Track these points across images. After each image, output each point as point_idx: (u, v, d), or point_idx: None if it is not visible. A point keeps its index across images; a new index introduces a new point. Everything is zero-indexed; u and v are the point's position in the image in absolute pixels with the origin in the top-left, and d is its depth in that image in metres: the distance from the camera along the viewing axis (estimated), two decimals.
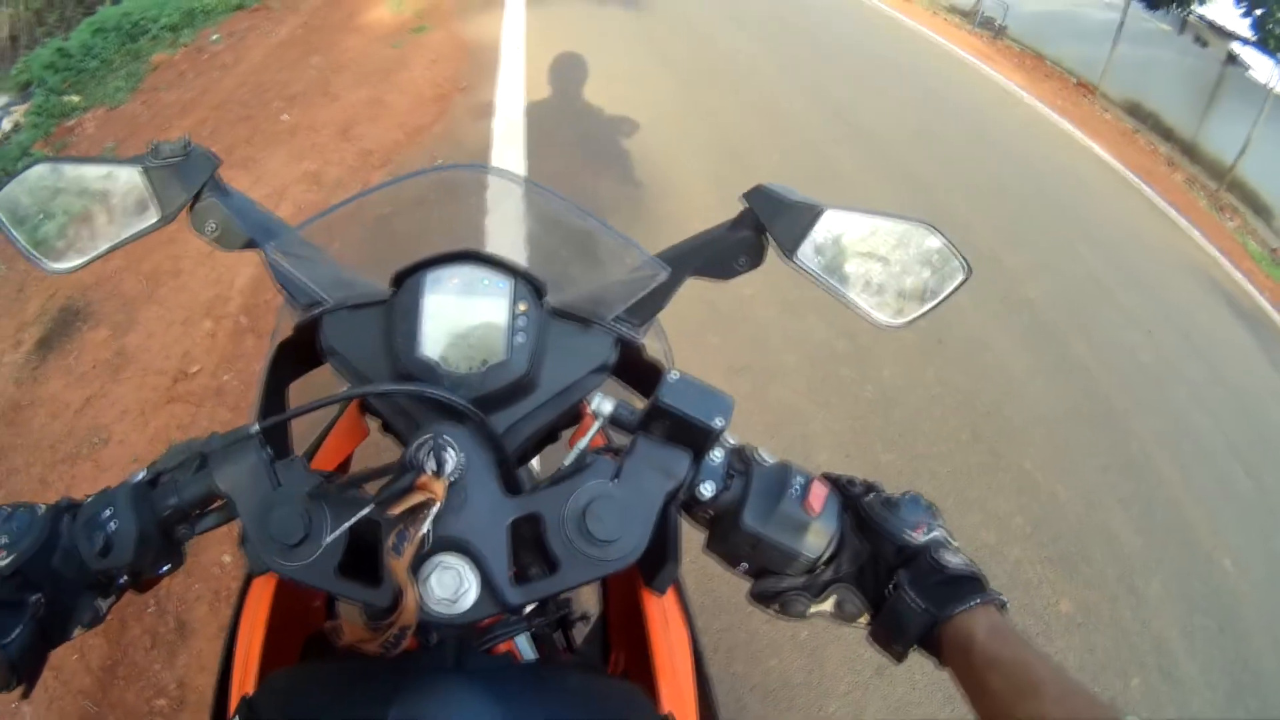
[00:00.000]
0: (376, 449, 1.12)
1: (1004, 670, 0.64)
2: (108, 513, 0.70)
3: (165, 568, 0.76)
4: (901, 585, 0.72)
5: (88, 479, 2.50)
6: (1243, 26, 12.66)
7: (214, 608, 2.18)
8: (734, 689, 2.31)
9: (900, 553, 0.74)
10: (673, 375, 0.76)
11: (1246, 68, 18.23)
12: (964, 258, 0.88)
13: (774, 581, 0.76)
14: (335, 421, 1.10)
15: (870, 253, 0.89)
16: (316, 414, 0.83)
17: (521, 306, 0.82)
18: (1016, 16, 17.49)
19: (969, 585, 0.70)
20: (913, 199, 5.83)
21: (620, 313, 0.88)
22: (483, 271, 0.83)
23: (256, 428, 0.73)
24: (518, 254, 0.91)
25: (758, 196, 0.90)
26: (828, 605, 0.77)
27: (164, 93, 5.30)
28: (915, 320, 0.91)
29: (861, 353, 3.73)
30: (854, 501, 0.78)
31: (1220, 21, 16.14)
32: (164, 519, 0.73)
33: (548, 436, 0.92)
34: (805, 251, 0.88)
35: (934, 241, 0.88)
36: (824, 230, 0.87)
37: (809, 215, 0.87)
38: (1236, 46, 19.30)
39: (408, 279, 0.83)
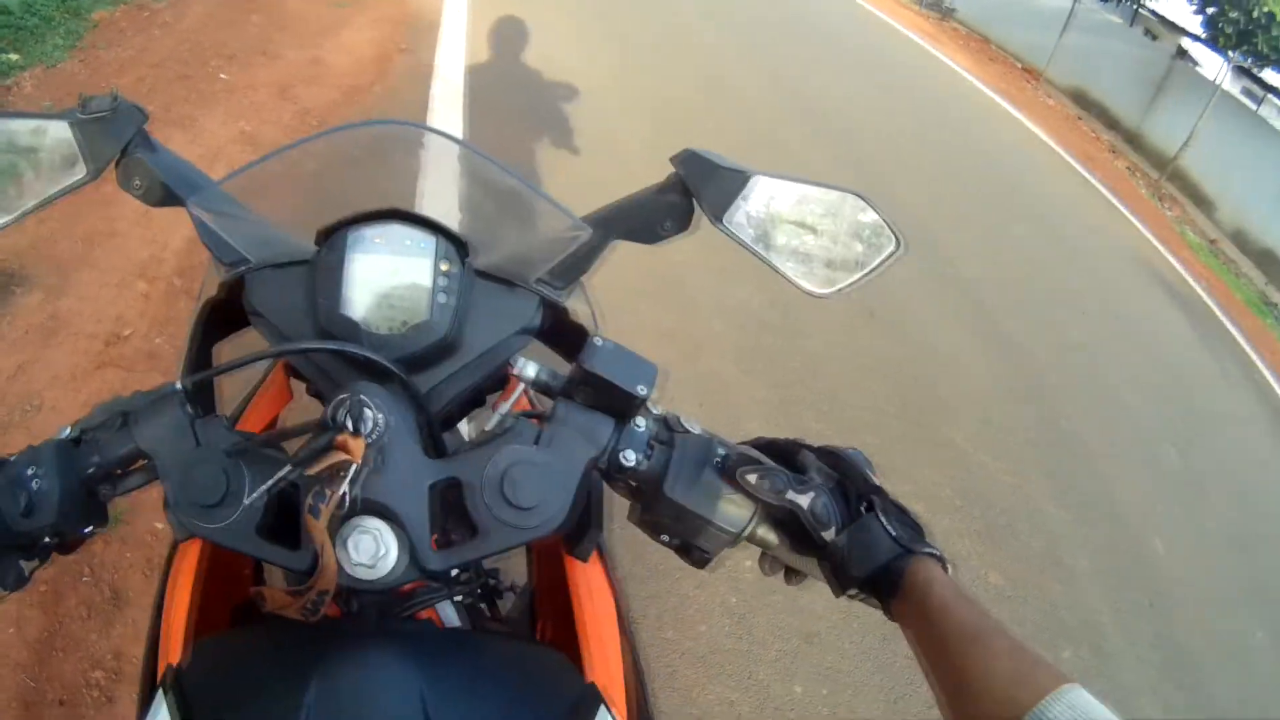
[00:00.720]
0: (304, 413, 1.08)
1: (957, 618, 0.63)
2: (30, 471, 0.69)
3: (89, 529, 0.74)
4: (875, 509, 0.70)
5: (19, 447, 2.37)
6: (1194, 23, 12.90)
7: (148, 576, 2.16)
8: (664, 654, 2.33)
9: (868, 483, 0.72)
10: (598, 340, 0.75)
11: (1195, 64, 18.62)
12: (896, 230, 0.86)
13: (699, 555, 0.76)
14: (261, 384, 1.09)
15: (800, 221, 0.88)
16: (243, 376, 0.84)
17: (445, 266, 0.80)
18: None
19: (924, 535, 0.71)
20: (847, 171, 5.89)
21: (544, 274, 0.87)
22: (407, 230, 0.81)
23: (179, 385, 0.72)
24: (446, 214, 0.89)
25: (686, 160, 0.88)
26: (804, 500, 0.71)
27: (103, 51, 5.15)
28: (844, 290, 0.90)
29: (791, 323, 3.74)
30: (796, 449, 0.77)
31: (1171, 17, 16.44)
32: (87, 478, 0.71)
33: (473, 400, 0.91)
34: (733, 217, 0.87)
35: (866, 213, 0.87)
36: (753, 197, 0.86)
37: (738, 181, 0.86)
38: (1186, 42, 19.70)
39: (332, 237, 0.81)
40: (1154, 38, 20.63)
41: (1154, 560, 3.53)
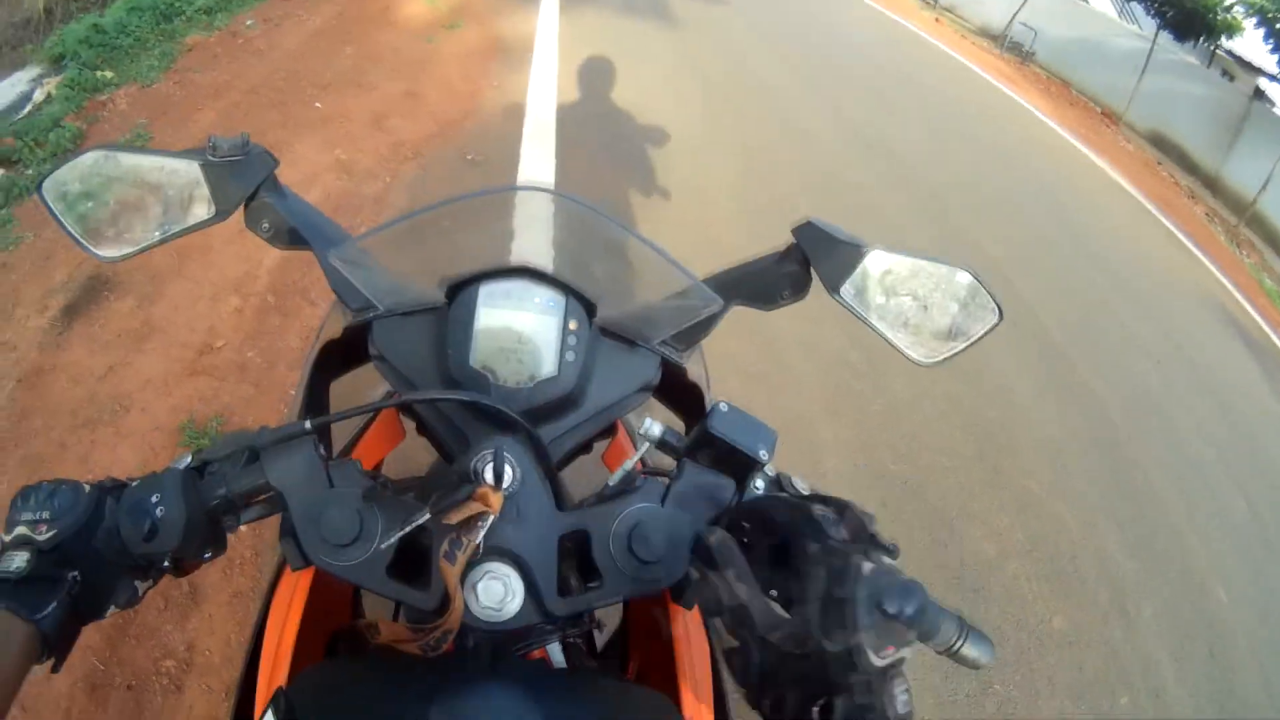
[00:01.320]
0: (412, 451, 1.15)
1: None
2: (155, 498, 0.70)
3: (207, 555, 0.76)
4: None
5: (107, 445, 2.52)
6: (1270, 62, 12.64)
7: (226, 574, 2.22)
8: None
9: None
10: (723, 405, 0.77)
11: (1272, 104, 18.15)
12: (997, 302, 0.92)
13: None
14: (373, 420, 1.11)
15: (910, 293, 0.92)
16: (351, 404, 0.85)
17: (572, 324, 0.84)
18: (1045, 42, 17.47)
19: None
20: (924, 220, 5.90)
21: (667, 337, 0.90)
22: (536, 287, 0.84)
23: (309, 424, 0.73)
24: (572, 272, 0.92)
25: (806, 232, 0.91)
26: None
27: (197, 74, 5.30)
28: (948, 359, 0.94)
29: (873, 366, 3.77)
30: None
31: (1248, 56, 16.14)
32: (211, 508, 0.73)
33: (583, 447, 0.93)
34: (848, 288, 0.90)
35: (971, 285, 0.91)
36: (868, 269, 0.90)
37: (854, 254, 0.89)
38: (1263, 82, 19.24)
39: (463, 290, 0.84)
40: (1231, 78, 20.19)
41: (1218, 611, 3.48)
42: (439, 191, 4.11)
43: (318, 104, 4.89)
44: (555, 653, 0.94)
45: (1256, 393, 6.21)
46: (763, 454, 0.75)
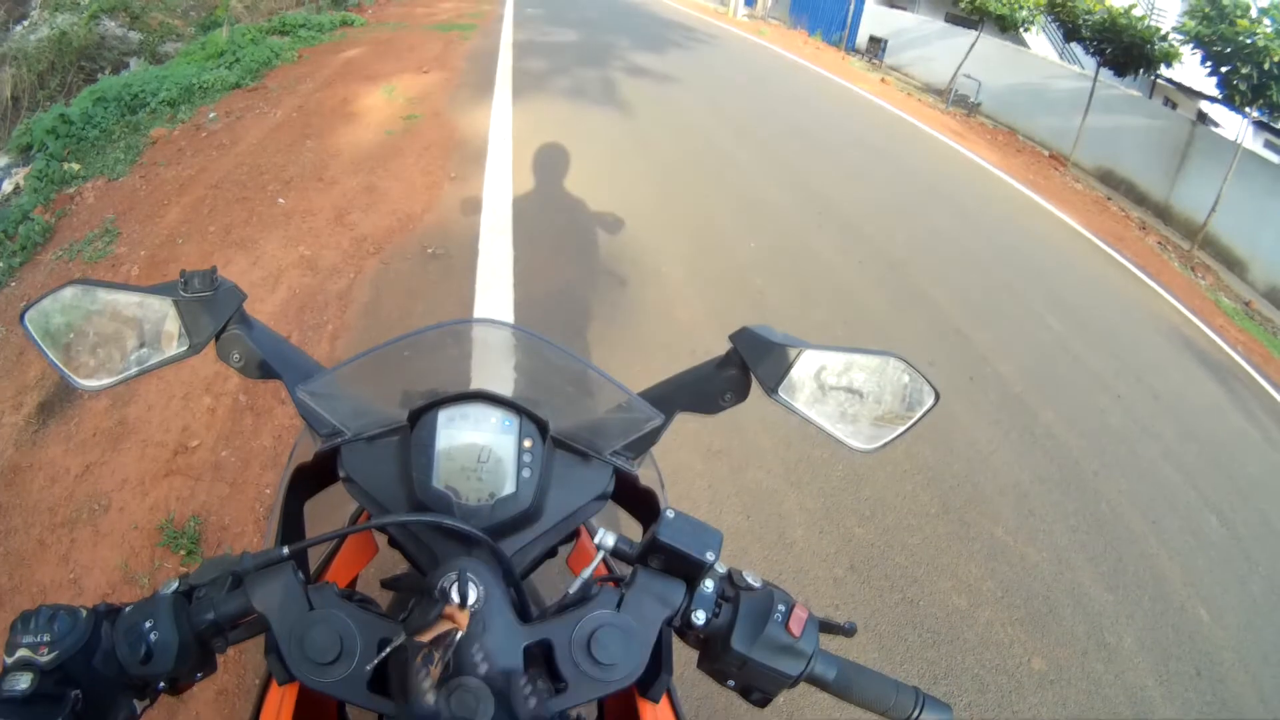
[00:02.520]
0: (386, 564, 1.24)
1: None
2: (149, 624, 0.74)
3: (199, 675, 0.80)
4: None
5: (87, 544, 2.55)
6: (1209, 85, 13.01)
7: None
8: None
9: None
10: (669, 513, 0.82)
11: (1215, 125, 18.61)
12: (933, 385, 0.97)
13: (759, 697, 0.83)
14: (347, 537, 1.16)
15: (845, 386, 0.97)
16: (328, 519, 0.96)
17: (527, 442, 0.88)
18: (989, 92, 17.95)
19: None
20: (877, 280, 6.04)
21: (618, 447, 0.95)
22: (491, 409, 0.89)
23: (287, 551, 0.79)
24: (526, 387, 1.00)
25: (743, 338, 0.98)
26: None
27: (163, 168, 5.41)
28: (888, 444, 1.00)
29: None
30: None
31: (1188, 82, 16.57)
32: (200, 631, 0.77)
33: (548, 552, 0.97)
34: (786, 388, 0.97)
35: (905, 372, 0.96)
36: (803, 368, 0.96)
37: (789, 355, 0.95)
38: (1205, 105, 19.76)
39: (423, 416, 0.89)
40: (1174, 106, 20.72)
41: (1200, 629, 3.56)
42: (403, 287, 4.26)
43: (281, 200, 4.98)
44: None
45: (1218, 409, 6.36)
46: (709, 556, 0.81)
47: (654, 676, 0.92)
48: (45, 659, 0.70)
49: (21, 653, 0.70)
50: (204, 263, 4.15)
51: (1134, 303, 8.17)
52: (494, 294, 4.22)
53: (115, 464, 2.87)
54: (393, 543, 0.96)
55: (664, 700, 0.96)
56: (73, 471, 2.83)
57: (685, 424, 3.62)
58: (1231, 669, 3.43)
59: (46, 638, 0.71)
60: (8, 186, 5.35)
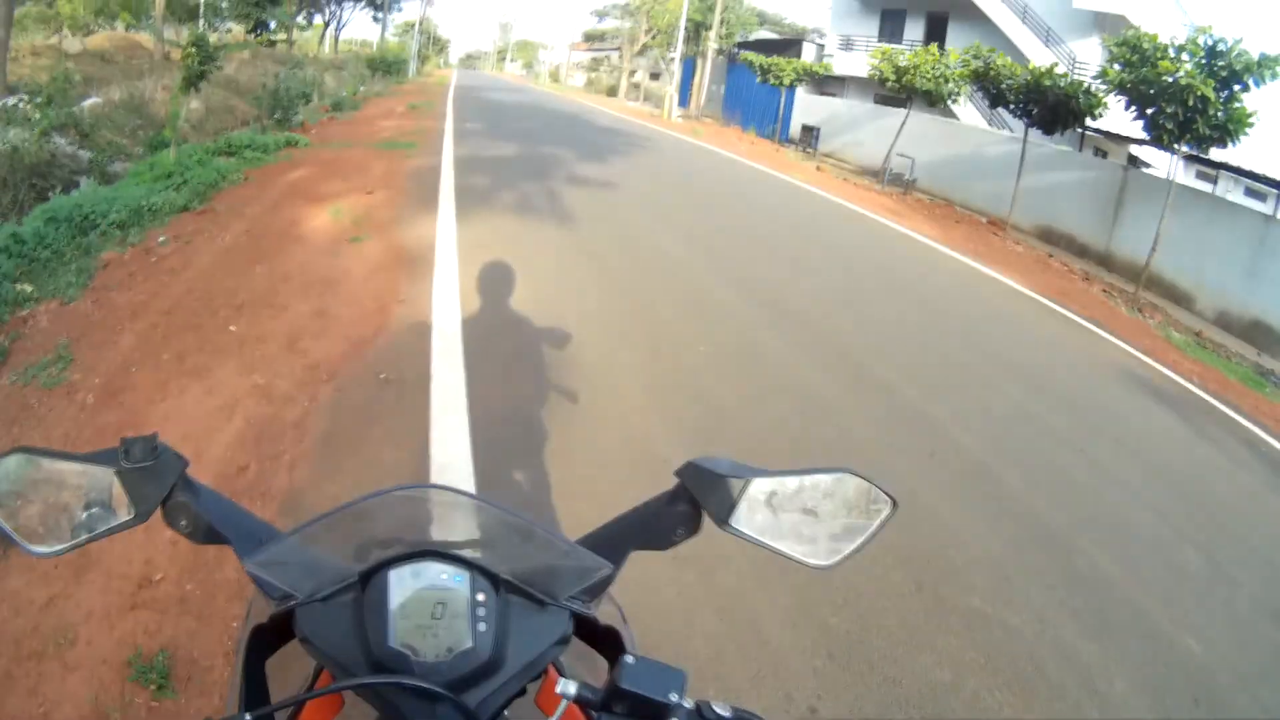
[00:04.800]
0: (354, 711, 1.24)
1: None
2: None
3: None
4: None
5: (55, 677, 2.52)
6: (1136, 128, 13.58)
7: None
8: None
9: None
10: (629, 659, 0.83)
11: (1147, 165, 19.26)
12: (889, 494, 0.96)
13: None
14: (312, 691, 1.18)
15: (798, 508, 0.96)
16: (294, 682, 0.99)
17: (480, 596, 0.86)
18: (923, 167, 18.55)
19: None
20: (830, 373, 6.18)
21: (575, 591, 0.94)
22: (442, 566, 0.88)
23: (249, 718, 0.79)
24: (475, 543, 1.01)
25: (689, 472, 0.98)
26: None
27: (115, 293, 5.43)
28: (848, 557, 0.98)
29: None
30: None
31: (1116, 129, 17.19)
32: None
33: (516, 694, 1.00)
34: (737, 518, 0.95)
35: (857, 485, 0.95)
36: (753, 496, 0.95)
37: (737, 486, 0.94)
38: (1135, 148, 20.47)
39: (374, 576, 0.87)
40: (1104, 154, 21.45)
41: (1192, 660, 3.60)
42: (359, 414, 4.31)
43: (233, 327, 5.02)
44: None
45: (1181, 442, 6.52)
46: (673, 697, 0.80)
47: None
48: None
49: None
50: (159, 391, 4.23)
51: (1086, 355, 8.38)
52: (449, 419, 4.26)
53: (79, 596, 2.87)
54: (361, 695, 1.00)
55: None
56: (37, 603, 2.82)
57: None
58: (1229, 691, 3.47)
59: None
60: None
